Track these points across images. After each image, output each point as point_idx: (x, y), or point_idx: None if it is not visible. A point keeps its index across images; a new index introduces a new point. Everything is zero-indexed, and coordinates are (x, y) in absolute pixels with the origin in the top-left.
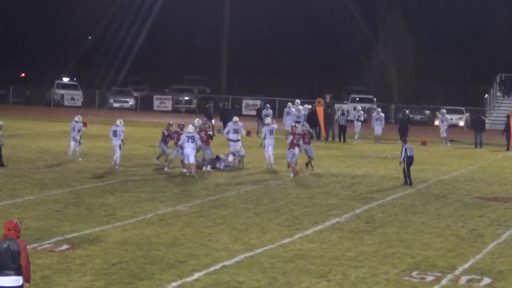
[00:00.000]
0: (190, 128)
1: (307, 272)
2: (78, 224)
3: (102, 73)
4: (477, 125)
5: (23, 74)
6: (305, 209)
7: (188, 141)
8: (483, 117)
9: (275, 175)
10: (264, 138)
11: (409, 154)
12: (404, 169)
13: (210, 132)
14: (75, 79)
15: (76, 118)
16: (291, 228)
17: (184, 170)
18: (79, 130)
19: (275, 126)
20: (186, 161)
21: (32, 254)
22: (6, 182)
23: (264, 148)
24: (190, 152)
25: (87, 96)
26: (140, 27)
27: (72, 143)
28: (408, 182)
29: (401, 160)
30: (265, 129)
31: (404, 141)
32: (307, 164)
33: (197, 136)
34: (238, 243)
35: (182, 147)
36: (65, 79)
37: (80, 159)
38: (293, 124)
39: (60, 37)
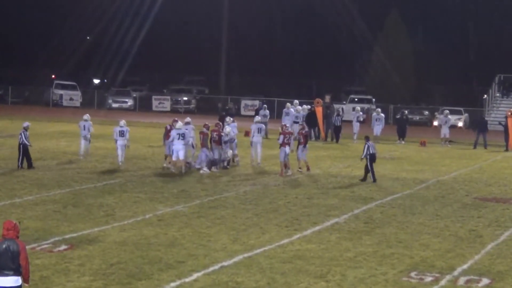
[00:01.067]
0: (179, 124)
1: (306, 272)
2: (77, 224)
3: (101, 74)
4: (480, 126)
5: (53, 76)
6: (304, 209)
7: (178, 138)
8: (486, 118)
9: (274, 175)
10: (253, 136)
11: (371, 152)
12: (366, 165)
13: (223, 133)
14: (105, 80)
15: (85, 117)
16: (289, 229)
17: (165, 165)
18: (89, 129)
19: (263, 125)
20: (174, 158)
21: (30, 255)
22: (5, 182)
23: (251, 145)
24: (180, 148)
25: (86, 96)
26: (138, 28)
27: (83, 142)
28: (372, 179)
29: (363, 156)
30: (253, 127)
31: (367, 139)
32: (308, 167)
33: (187, 133)
34: (237, 244)
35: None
36: (96, 81)
37: (85, 158)
38: (283, 124)
39: (59, 37)
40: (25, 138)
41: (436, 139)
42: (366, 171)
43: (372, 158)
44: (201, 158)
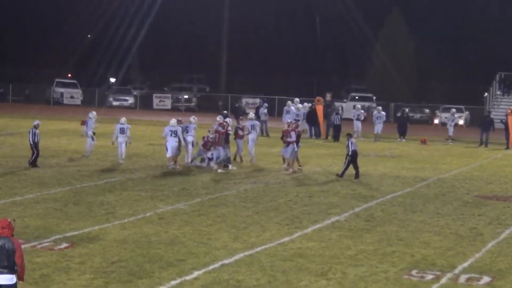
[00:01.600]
0: (173, 122)
1: (307, 270)
2: (77, 222)
3: (102, 72)
4: (485, 123)
5: (69, 75)
6: (304, 207)
7: (171, 135)
8: (492, 116)
9: (274, 173)
10: (247, 133)
11: (353, 149)
12: (348, 162)
13: (230, 132)
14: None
15: (90, 115)
16: (290, 227)
17: (171, 163)
18: (91, 126)
19: (257, 122)
20: (168, 154)
21: (31, 253)
22: (6, 180)
23: (248, 142)
24: (175, 145)
25: (87, 94)
26: (139, 26)
27: (88, 140)
28: (340, 175)
29: (350, 153)
30: (247, 124)
31: (350, 136)
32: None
33: (179, 129)
34: (237, 242)
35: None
36: (112, 79)
37: (87, 155)
38: (289, 121)
39: (59, 35)
40: (35, 135)
41: (437, 137)
42: (355, 167)
43: (353, 154)
44: (218, 156)
